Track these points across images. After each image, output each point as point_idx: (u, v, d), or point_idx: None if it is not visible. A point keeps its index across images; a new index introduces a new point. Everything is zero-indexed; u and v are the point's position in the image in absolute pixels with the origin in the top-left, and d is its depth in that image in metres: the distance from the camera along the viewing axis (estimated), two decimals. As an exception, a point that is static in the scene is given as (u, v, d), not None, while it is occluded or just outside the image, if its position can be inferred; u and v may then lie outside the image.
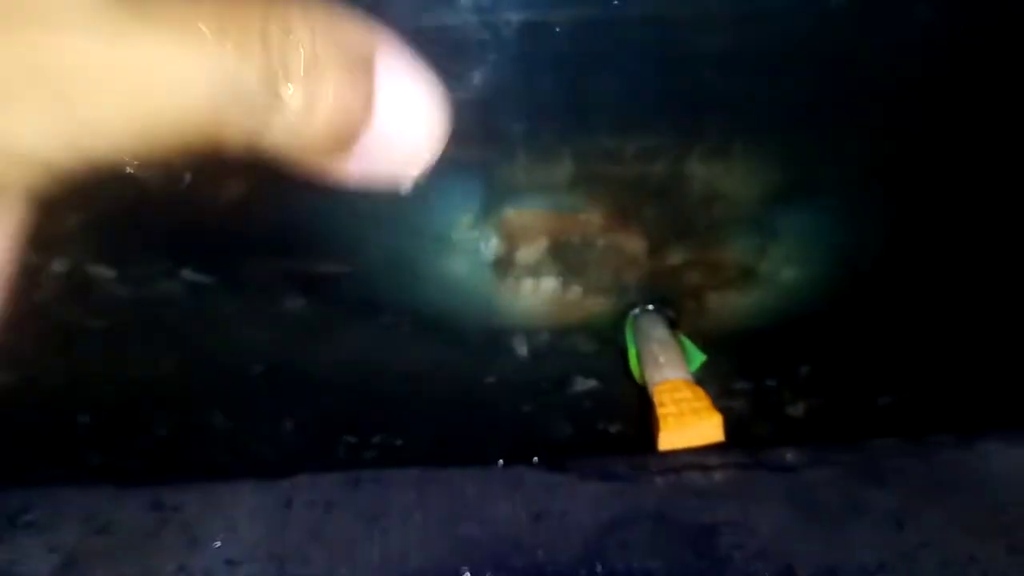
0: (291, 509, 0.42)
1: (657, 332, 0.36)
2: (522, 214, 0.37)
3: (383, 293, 0.38)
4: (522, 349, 0.40)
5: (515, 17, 0.30)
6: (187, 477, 0.42)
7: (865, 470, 0.45)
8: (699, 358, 0.36)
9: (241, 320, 0.37)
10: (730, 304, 0.40)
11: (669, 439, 0.32)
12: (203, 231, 0.36)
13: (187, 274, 0.36)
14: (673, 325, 0.38)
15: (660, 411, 0.32)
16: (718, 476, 0.46)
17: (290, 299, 0.37)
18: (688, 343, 0.37)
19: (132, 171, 0.33)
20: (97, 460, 0.42)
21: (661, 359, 0.35)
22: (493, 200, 0.36)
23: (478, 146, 0.34)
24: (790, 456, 0.46)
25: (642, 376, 0.35)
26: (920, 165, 0.37)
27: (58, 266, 0.36)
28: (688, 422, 0.32)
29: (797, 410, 0.43)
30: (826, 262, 0.40)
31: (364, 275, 0.37)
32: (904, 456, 0.46)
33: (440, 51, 0.30)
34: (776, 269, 0.39)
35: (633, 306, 0.39)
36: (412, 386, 0.40)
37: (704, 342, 0.40)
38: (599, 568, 0.41)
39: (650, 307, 0.38)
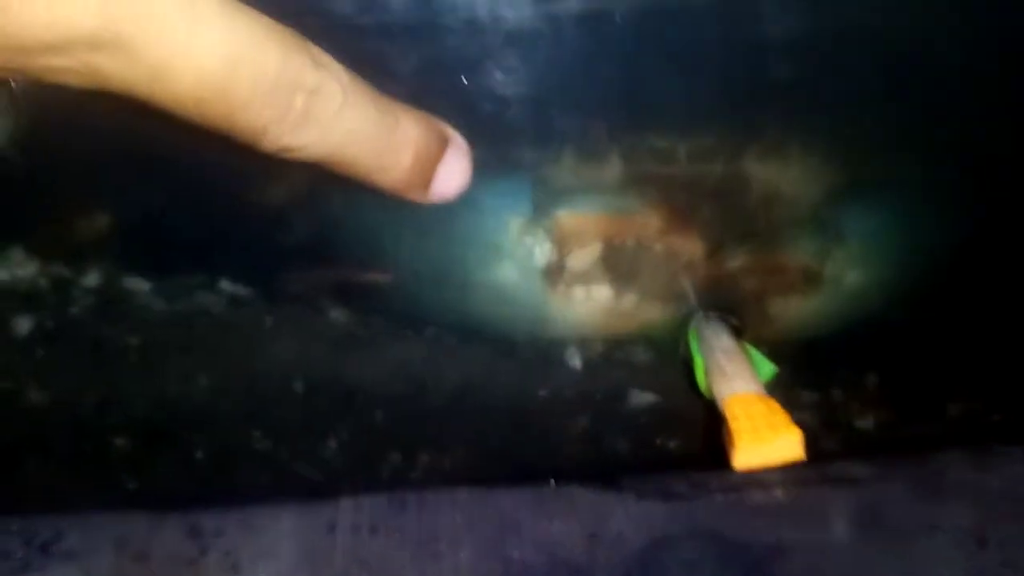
0: (335, 534, 0.40)
1: (722, 341, 0.34)
2: (574, 217, 0.35)
3: (429, 304, 0.36)
4: (575, 361, 0.38)
5: (575, 6, 0.28)
6: (226, 501, 0.40)
7: (936, 485, 0.43)
8: (769, 369, 0.34)
9: (281, 334, 0.36)
10: (793, 310, 0.38)
11: (745, 457, 0.30)
12: (242, 240, 0.34)
13: (225, 286, 0.35)
14: (738, 333, 0.36)
15: (733, 426, 0.30)
16: (781, 493, 0.43)
17: (332, 311, 0.35)
18: (755, 353, 0.34)
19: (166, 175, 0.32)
20: (133, 485, 0.40)
21: (729, 370, 0.33)
22: (544, 203, 0.34)
23: (529, 145, 0.32)
24: (856, 470, 0.44)
25: (709, 389, 0.33)
26: (995, 160, 0.35)
27: (91, 279, 0.34)
28: (765, 438, 0.30)
29: (865, 422, 0.41)
30: (894, 265, 0.37)
31: (409, 285, 0.35)
32: (976, 470, 0.43)
33: (494, 43, 0.29)
34: (841, 273, 0.37)
35: (691, 314, 0.37)
36: (460, 401, 0.38)
37: (767, 351, 0.37)
38: (660, 592, 0.39)
39: (713, 314, 0.36)
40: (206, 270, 0.34)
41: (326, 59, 0.24)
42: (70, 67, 0.20)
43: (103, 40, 0.20)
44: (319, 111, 0.23)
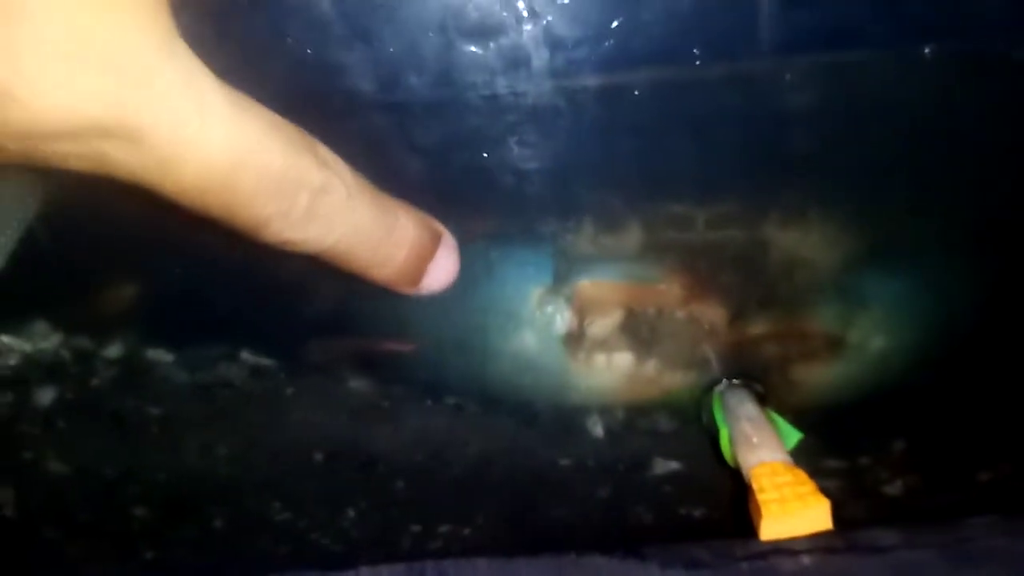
0: (353, 605, 0.39)
1: (746, 409, 0.34)
2: (595, 285, 0.35)
3: (450, 373, 0.36)
4: (597, 429, 0.37)
5: (592, 82, 0.29)
6: (243, 571, 0.39)
7: (967, 551, 0.42)
8: (794, 436, 0.34)
9: (302, 404, 0.36)
10: (817, 377, 0.37)
11: (772, 528, 0.29)
12: (263, 311, 0.34)
13: (247, 356, 0.35)
14: (762, 400, 0.35)
15: (761, 497, 0.30)
16: (808, 560, 0.42)
17: (353, 381, 0.35)
18: (780, 420, 0.34)
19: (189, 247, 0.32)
20: (151, 555, 0.40)
21: (755, 439, 0.32)
22: (565, 271, 0.34)
23: (549, 216, 0.33)
24: (884, 537, 0.42)
25: (734, 457, 0.33)
26: (1016, 224, 0.35)
27: (113, 351, 0.35)
28: (792, 509, 0.29)
29: (893, 489, 0.40)
30: (918, 330, 0.37)
31: (430, 354, 0.35)
32: (1007, 535, 0.42)
33: (514, 118, 0.29)
34: (865, 338, 0.37)
35: (714, 381, 0.37)
36: (481, 471, 0.38)
37: (791, 418, 0.37)
38: (689, 667, 0.38)
39: (736, 381, 0.36)
40: (228, 341, 0.34)
41: (331, 158, 0.25)
42: (79, 153, 0.20)
43: (114, 130, 0.20)
44: (323, 209, 0.24)
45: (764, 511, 0.29)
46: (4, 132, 0.19)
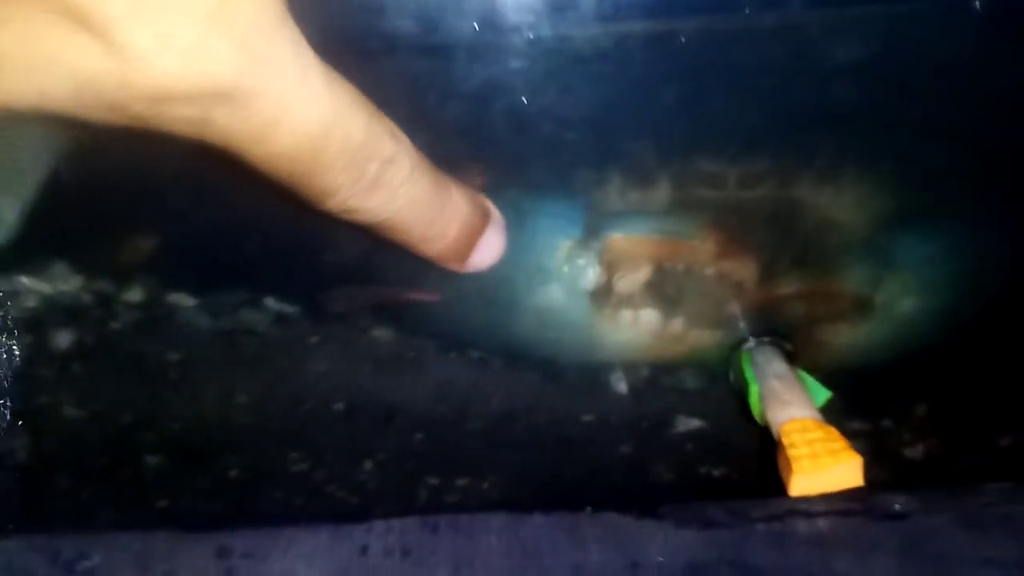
0: (367, 556, 0.39)
1: (775, 366, 0.34)
2: (625, 240, 0.35)
3: (475, 326, 0.35)
4: (621, 386, 0.37)
5: (639, 27, 0.28)
6: (256, 522, 0.39)
7: (985, 517, 0.42)
8: (824, 394, 0.33)
9: (325, 353, 0.35)
10: (844, 338, 0.37)
11: (803, 483, 0.29)
12: (288, 257, 0.33)
13: (270, 303, 0.34)
14: (791, 359, 0.35)
15: (791, 453, 0.29)
16: (824, 524, 0.42)
17: (377, 331, 0.35)
18: (809, 378, 0.34)
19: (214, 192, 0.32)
20: (163, 503, 0.39)
21: (785, 396, 0.32)
22: (595, 225, 0.34)
23: (584, 167, 0.32)
24: (903, 502, 0.42)
25: (763, 415, 0.32)
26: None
27: (134, 295, 0.34)
28: (824, 464, 0.29)
29: (915, 452, 0.40)
30: (946, 293, 0.37)
31: (455, 306, 0.35)
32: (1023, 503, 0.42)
33: (557, 63, 0.28)
34: (893, 300, 0.37)
35: (741, 340, 0.36)
36: (502, 426, 0.37)
37: (818, 378, 0.37)
38: (701, 624, 0.38)
39: (766, 339, 0.35)
40: (252, 287, 0.34)
41: (400, 133, 0.25)
42: (189, 118, 0.21)
43: (232, 94, 0.21)
44: (388, 179, 0.25)
45: (795, 467, 0.29)
46: (136, 94, 0.20)
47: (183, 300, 0.34)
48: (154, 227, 0.33)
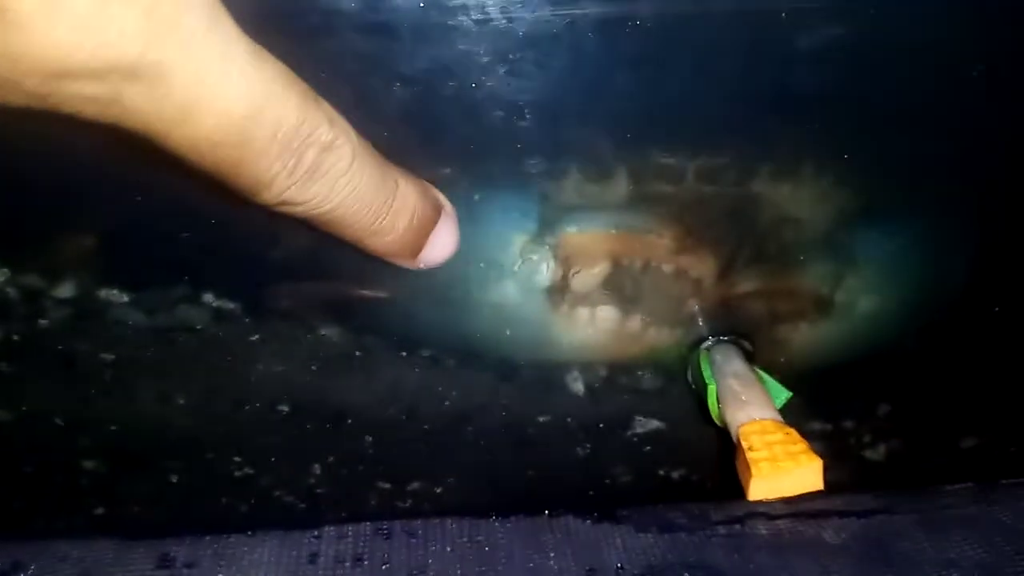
0: (317, 564, 0.38)
1: (734, 366, 0.33)
2: (581, 235, 0.33)
3: (426, 324, 0.34)
4: (578, 386, 0.36)
5: (592, 9, 0.27)
6: (200, 530, 0.37)
7: (946, 518, 0.41)
8: (783, 394, 0.33)
9: (268, 352, 0.33)
10: (804, 337, 0.36)
11: (762, 487, 0.28)
12: (229, 250, 0.32)
13: (209, 299, 0.32)
14: (751, 358, 0.34)
15: (750, 455, 0.28)
16: (786, 526, 0.42)
17: (323, 329, 0.33)
18: (769, 378, 0.33)
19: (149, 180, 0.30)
20: (101, 510, 0.37)
21: (744, 396, 0.31)
22: (550, 219, 0.33)
23: (537, 156, 0.31)
24: (864, 502, 0.42)
25: (721, 416, 0.31)
26: (1015, 188, 0.34)
27: (65, 290, 0.32)
28: (784, 468, 0.28)
29: (876, 453, 0.39)
30: (908, 292, 0.36)
31: (406, 303, 0.33)
32: (987, 503, 0.42)
33: (508, 46, 0.27)
34: (853, 299, 0.36)
35: (700, 338, 0.35)
36: (456, 427, 0.36)
37: (777, 378, 0.36)
38: (661, 629, 0.37)
39: (724, 338, 0.35)
40: (190, 282, 0.32)
41: (339, 118, 0.24)
42: (97, 96, 0.19)
43: (139, 69, 0.19)
44: (327, 168, 0.23)
45: (754, 470, 0.28)
46: (26, 68, 0.18)
47: (116, 296, 0.32)
48: (85, 218, 0.31)
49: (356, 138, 0.24)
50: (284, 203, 0.23)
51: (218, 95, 0.20)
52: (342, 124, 0.24)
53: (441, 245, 0.29)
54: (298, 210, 0.24)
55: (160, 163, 0.28)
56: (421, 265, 0.29)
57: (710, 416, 0.32)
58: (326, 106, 0.24)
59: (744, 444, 0.29)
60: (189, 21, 0.19)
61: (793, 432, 0.29)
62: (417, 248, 0.28)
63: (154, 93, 0.19)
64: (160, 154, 0.22)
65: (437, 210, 0.28)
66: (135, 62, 0.19)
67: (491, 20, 0.26)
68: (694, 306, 0.35)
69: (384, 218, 0.26)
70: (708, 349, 0.34)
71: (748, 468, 0.28)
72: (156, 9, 0.18)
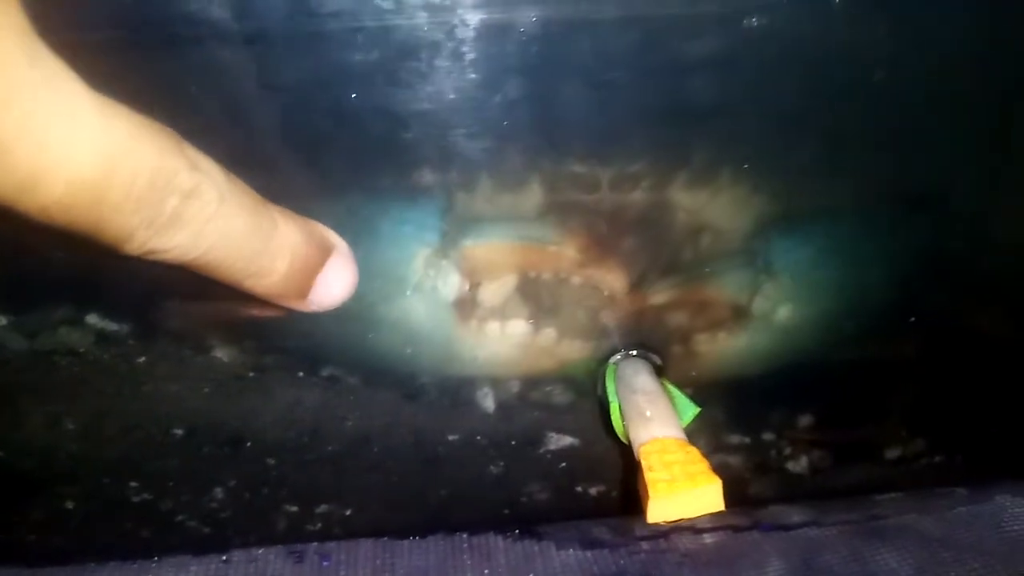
0: (224, 591, 0.36)
1: (641, 381, 0.32)
2: (486, 247, 0.32)
3: (326, 342, 0.33)
4: (488, 403, 0.35)
5: (472, 16, 0.26)
6: (100, 556, 0.36)
7: (874, 529, 0.41)
8: (691, 410, 0.32)
9: (157, 374, 0.32)
10: (721, 348, 0.35)
11: (659, 509, 0.27)
12: (112, 269, 0.30)
13: (93, 321, 0.31)
14: (660, 372, 0.33)
15: (649, 476, 0.27)
16: (710, 540, 0.41)
17: (217, 350, 0.32)
18: (678, 393, 0.32)
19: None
20: (-5, 539, 0.36)
21: (648, 413, 0.30)
22: (452, 231, 0.32)
23: (432, 168, 0.30)
24: (790, 515, 0.41)
25: (626, 433, 0.30)
26: (930, 192, 0.33)
27: (-60, 313, 0.31)
28: (682, 488, 0.27)
29: (798, 465, 0.38)
30: (826, 300, 0.35)
31: (304, 321, 0.32)
32: (915, 512, 0.41)
33: (384, 55, 0.26)
34: (771, 308, 0.35)
35: (613, 351, 0.34)
36: (360, 448, 0.35)
37: (693, 391, 0.35)
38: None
39: (632, 353, 0.34)
40: (72, 303, 0.31)
41: (203, 161, 0.23)
42: None
43: None
44: (191, 215, 0.22)
45: (651, 491, 0.27)
46: None
47: (-7, 319, 0.31)
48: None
49: (223, 180, 0.23)
50: (149, 253, 0.22)
51: (65, 162, 0.19)
52: (206, 167, 0.23)
53: (330, 286, 0.28)
54: (167, 257, 0.23)
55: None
56: (314, 307, 0.28)
57: (616, 433, 0.32)
58: (189, 150, 0.22)
59: (644, 463, 0.28)
60: (25, 92, 0.18)
61: (694, 451, 0.28)
62: (304, 289, 0.27)
63: None
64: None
65: (325, 249, 0.27)
66: None
67: (365, 28, 0.25)
68: (606, 318, 0.34)
69: (261, 260, 0.25)
70: (616, 364, 0.33)
71: (646, 489, 0.27)
72: None
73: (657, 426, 0.29)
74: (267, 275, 0.25)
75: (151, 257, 0.23)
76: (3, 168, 0.19)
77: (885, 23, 0.28)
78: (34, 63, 0.19)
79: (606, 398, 0.32)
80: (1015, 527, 0.42)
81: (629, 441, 0.30)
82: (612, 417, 0.31)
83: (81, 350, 0.31)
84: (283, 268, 0.25)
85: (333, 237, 0.28)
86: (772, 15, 0.27)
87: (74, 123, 0.19)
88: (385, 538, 0.39)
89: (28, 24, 0.19)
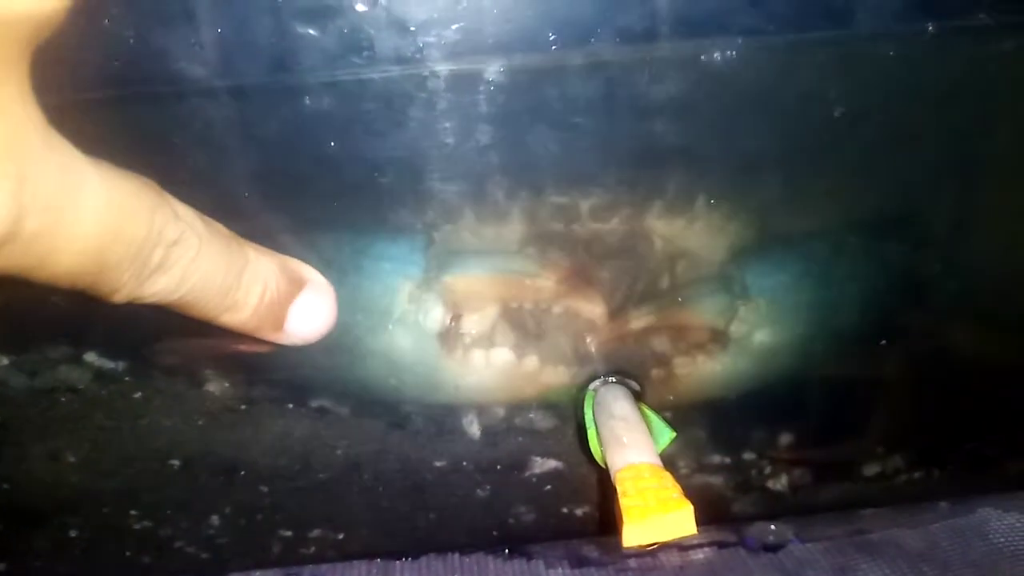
0: (224, 613, 0.38)
1: (619, 407, 0.33)
2: (468, 280, 0.34)
3: (316, 373, 0.34)
4: (473, 429, 0.36)
5: (442, 68, 0.27)
6: (106, 582, 0.37)
7: (858, 544, 0.42)
8: (667, 435, 0.33)
9: (153, 408, 0.33)
10: (700, 371, 0.36)
11: (634, 534, 0.28)
12: (107, 309, 0.32)
13: (91, 359, 0.32)
14: (638, 397, 0.34)
15: (623, 501, 0.28)
16: (697, 556, 0.42)
17: (209, 384, 0.33)
18: (655, 418, 0.33)
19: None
20: (2, 567, 0.37)
21: (625, 439, 0.31)
22: (434, 265, 0.33)
23: (410, 210, 0.31)
24: (774, 531, 0.42)
25: (604, 458, 0.31)
26: (902, 215, 0.34)
27: (-57, 354, 0.32)
28: (654, 512, 0.28)
29: (779, 483, 0.39)
30: (803, 322, 0.36)
31: (292, 355, 0.33)
32: (898, 527, 0.42)
33: (359, 107, 0.27)
34: (749, 331, 0.36)
35: (594, 377, 0.35)
36: (353, 474, 0.36)
37: (674, 414, 0.36)
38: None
39: (611, 379, 0.35)
40: (70, 343, 0.32)
41: (183, 209, 0.24)
42: None
43: (7, 237, 0.19)
44: (173, 261, 0.24)
45: (626, 516, 0.28)
46: None
47: (-5, 359, 0.32)
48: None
49: (201, 226, 0.24)
50: (134, 300, 0.24)
51: (76, 238, 0.21)
52: (186, 215, 0.24)
53: (305, 317, 0.29)
54: (149, 301, 0.24)
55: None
56: (291, 340, 0.29)
57: (595, 459, 0.33)
58: (171, 201, 0.24)
59: (619, 489, 0.29)
60: (41, 180, 0.20)
61: (668, 476, 0.29)
62: (278, 322, 0.28)
63: (17, 251, 0.20)
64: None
65: (297, 282, 0.28)
66: (5, 235, 0.19)
67: (340, 82, 0.27)
68: (587, 346, 0.35)
69: (233, 295, 0.26)
70: (595, 390, 0.34)
71: (621, 514, 0.28)
72: (23, 178, 0.19)
73: (633, 452, 0.30)
74: (240, 309, 0.26)
75: (137, 303, 0.24)
76: (19, 247, 0.20)
77: (840, 63, 0.29)
78: (51, 151, 0.20)
79: (585, 424, 0.33)
80: (999, 539, 0.43)
81: (607, 467, 0.31)
82: (590, 443, 0.32)
83: (80, 387, 0.32)
84: (254, 301, 0.27)
85: (307, 271, 0.29)
86: (728, 56, 0.28)
87: (83, 199, 0.21)
88: (378, 560, 0.40)
89: (42, 115, 0.20)
